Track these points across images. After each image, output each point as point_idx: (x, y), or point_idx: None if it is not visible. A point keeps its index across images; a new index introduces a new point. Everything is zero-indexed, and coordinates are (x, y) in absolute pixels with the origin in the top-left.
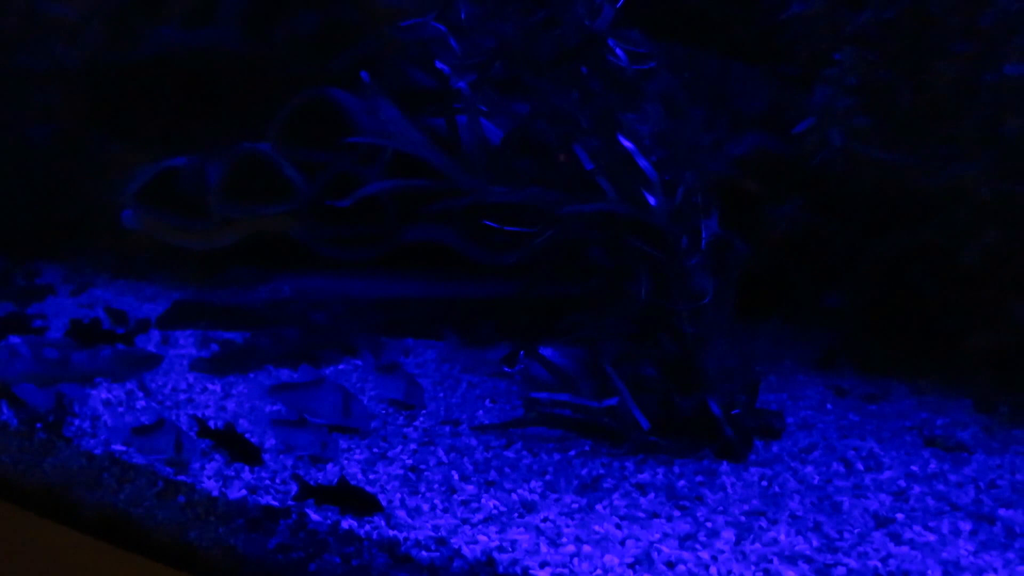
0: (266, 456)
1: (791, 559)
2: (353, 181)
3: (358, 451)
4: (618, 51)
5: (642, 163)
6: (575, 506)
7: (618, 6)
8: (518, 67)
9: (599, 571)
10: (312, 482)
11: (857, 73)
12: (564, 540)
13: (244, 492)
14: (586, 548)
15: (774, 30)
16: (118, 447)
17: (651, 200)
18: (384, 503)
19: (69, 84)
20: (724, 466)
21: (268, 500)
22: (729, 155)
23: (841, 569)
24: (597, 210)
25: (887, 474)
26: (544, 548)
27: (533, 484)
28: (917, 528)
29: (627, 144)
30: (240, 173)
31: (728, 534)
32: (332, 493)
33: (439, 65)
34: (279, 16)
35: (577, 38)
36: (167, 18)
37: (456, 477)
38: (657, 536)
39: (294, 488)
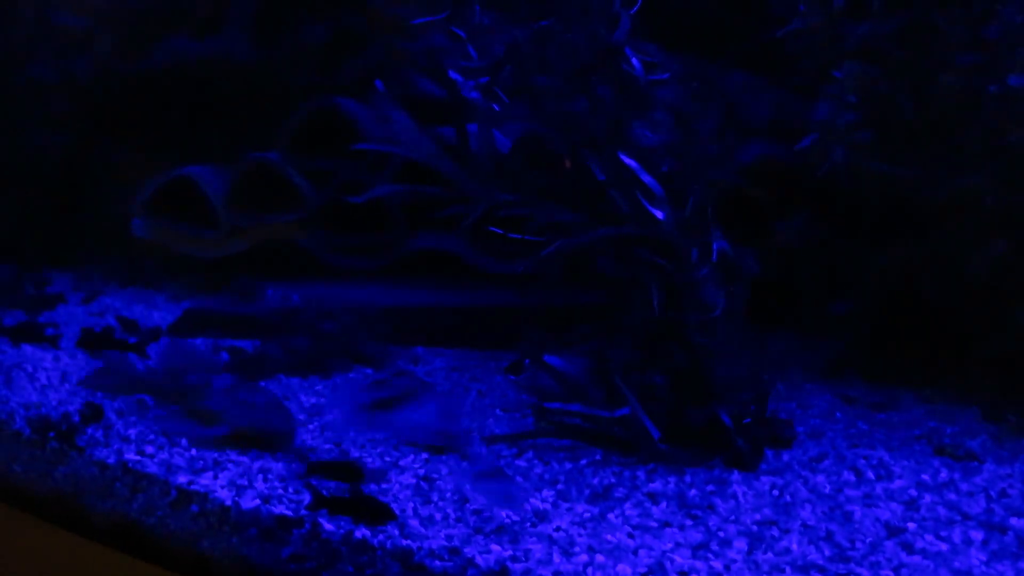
0: (279, 465)
1: (803, 568)
2: (362, 190)
3: (369, 460)
4: (634, 61)
5: (647, 179)
6: (587, 515)
7: (632, 12)
8: (529, 74)
9: None
10: (325, 492)
11: (858, 88)
12: (577, 549)
13: (257, 502)
14: (599, 557)
15: (779, 42)
16: (131, 456)
17: (658, 214)
18: (397, 512)
19: (79, 94)
20: (735, 475)
21: (281, 510)
22: (738, 165)
23: None
24: (608, 235)
25: (898, 483)
26: (557, 558)
27: (545, 493)
28: (929, 537)
29: (630, 162)
30: (249, 182)
31: (740, 543)
32: (345, 503)
33: (453, 75)
34: (287, 26)
35: (595, 48)
36: (176, 28)
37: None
38: (669, 545)
39: (307, 497)
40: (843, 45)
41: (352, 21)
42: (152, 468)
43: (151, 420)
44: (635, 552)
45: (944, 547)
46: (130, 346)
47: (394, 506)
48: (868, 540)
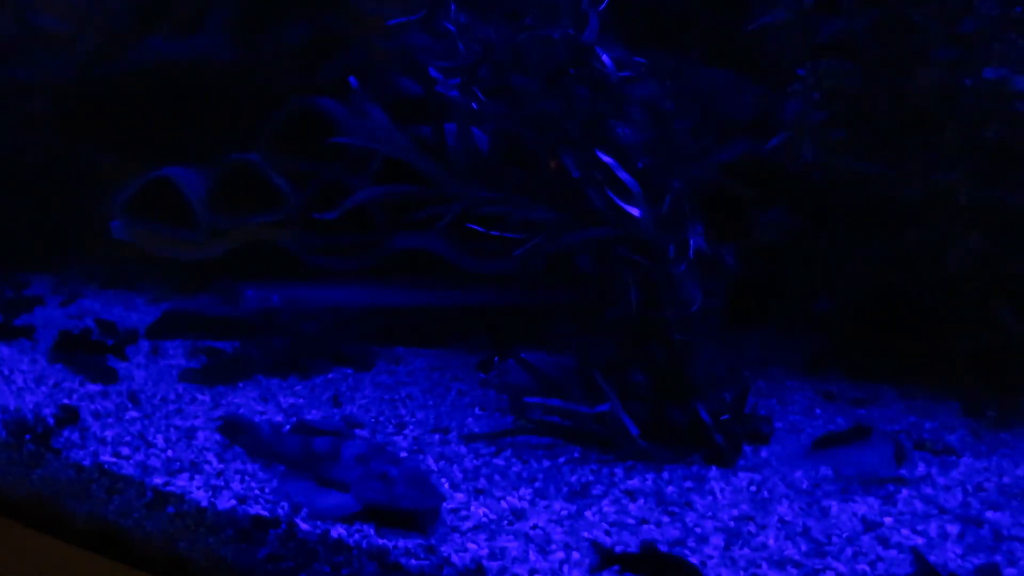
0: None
1: (780, 564)
2: (342, 190)
3: None
4: (604, 58)
5: (624, 176)
6: (564, 513)
7: (600, 8)
8: (505, 73)
9: None
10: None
11: (827, 84)
12: (553, 547)
13: (233, 502)
14: (575, 555)
15: (753, 39)
16: (107, 458)
17: (635, 212)
18: None
19: (58, 95)
20: (713, 472)
21: (258, 510)
22: (716, 162)
23: (830, 573)
24: (587, 237)
25: None
26: (533, 555)
27: (523, 491)
28: (905, 532)
29: (607, 159)
30: (229, 183)
31: (717, 539)
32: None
33: (432, 72)
34: (268, 26)
35: (566, 47)
36: (156, 29)
37: (446, 485)
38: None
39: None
40: (815, 41)
41: (332, 21)
42: (128, 470)
43: (281, 486)
44: (612, 549)
45: (920, 541)
46: (108, 348)
47: None
48: (845, 535)
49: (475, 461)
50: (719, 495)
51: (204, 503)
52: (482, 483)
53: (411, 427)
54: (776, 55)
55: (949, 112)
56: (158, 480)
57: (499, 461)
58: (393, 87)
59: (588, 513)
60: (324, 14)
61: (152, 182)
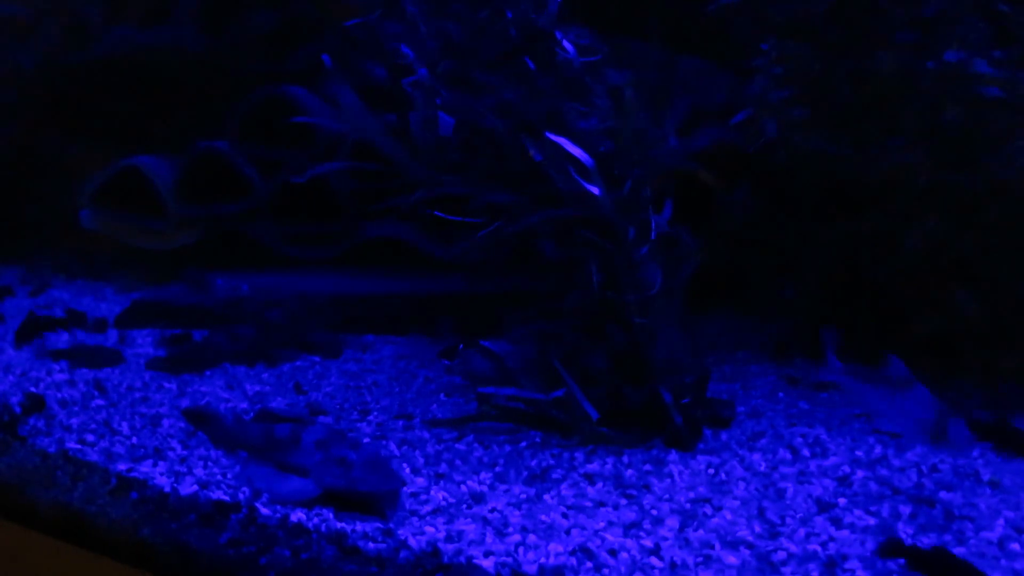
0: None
1: (733, 544)
2: (311, 179)
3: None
4: (565, 44)
5: (579, 154)
6: (523, 497)
7: None
8: (466, 63)
9: (542, 559)
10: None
11: (787, 63)
12: (510, 530)
13: (196, 488)
14: (531, 537)
15: (716, 20)
16: (72, 445)
17: (594, 191)
18: None
19: (24, 84)
20: (672, 455)
21: (219, 495)
22: (677, 146)
23: (781, 554)
24: (547, 218)
25: (832, 460)
26: (490, 538)
27: (483, 476)
28: (858, 512)
29: (557, 139)
30: (198, 172)
31: (672, 521)
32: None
33: (404, 49)
34: (235, 14)
35: (524, 34)
36: (122, 17)
37: (407, 470)
38: (602, 524)
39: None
40: (773, 21)
41: (300, 8)
42: (93, 456)
43: (243, 472)
44: (567, 532)
45: (872, 521)
46: (59, 321)
47: None
48: (799, 516)
49: (437, 446)
50: (677, 478)
51: (167, 489)
52: (443, 468)
53: (375, 413)
54: (739, 36)
55: (910, 94)
56: (122, 466)
57: (461, 446)
58: (363, 74)
59: (547, 497)
60: (292, 1)
61: (121, 171)
